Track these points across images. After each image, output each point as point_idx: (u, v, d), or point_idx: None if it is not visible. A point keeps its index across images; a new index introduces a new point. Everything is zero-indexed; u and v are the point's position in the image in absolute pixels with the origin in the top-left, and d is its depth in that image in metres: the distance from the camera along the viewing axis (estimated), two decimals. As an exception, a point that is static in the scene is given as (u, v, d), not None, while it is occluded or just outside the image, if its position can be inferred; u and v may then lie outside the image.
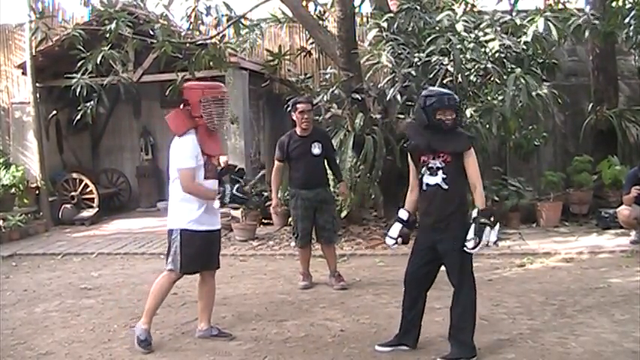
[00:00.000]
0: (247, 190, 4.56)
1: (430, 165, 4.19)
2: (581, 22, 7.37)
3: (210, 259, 4.65)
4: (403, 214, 4.42)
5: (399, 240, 4.39)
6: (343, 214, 8.29)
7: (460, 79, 7.37)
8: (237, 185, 4.52)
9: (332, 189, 6.54)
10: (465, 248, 4.08)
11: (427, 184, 4.21)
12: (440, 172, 4.16)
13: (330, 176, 6.52)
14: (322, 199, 6.09)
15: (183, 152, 4.41)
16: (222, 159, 9.74)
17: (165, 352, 4.54)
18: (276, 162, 6.25)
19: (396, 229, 4.40)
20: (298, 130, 6.08)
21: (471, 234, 4.06)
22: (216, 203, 4.44)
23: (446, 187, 4.16)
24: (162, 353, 4.52)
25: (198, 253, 4.52)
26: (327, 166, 6.32)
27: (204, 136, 4.48)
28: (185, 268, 4.54)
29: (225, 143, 9.78)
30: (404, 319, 4.42)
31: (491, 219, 4.09)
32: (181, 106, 4.58)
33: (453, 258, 4.16)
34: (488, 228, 4.08)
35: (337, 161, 6.80)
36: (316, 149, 6.04)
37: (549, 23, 7.01)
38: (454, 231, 4.14)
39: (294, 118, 6.09)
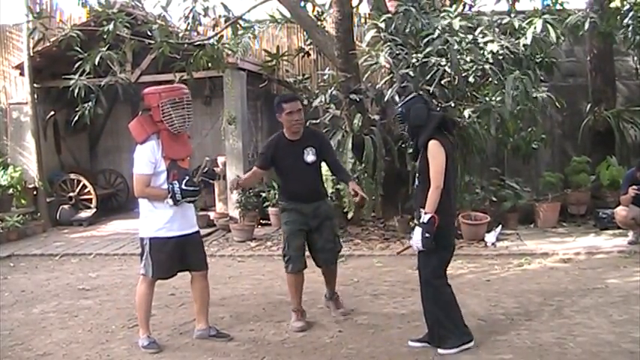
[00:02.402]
0: (197, 182, 4.49)
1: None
2: (579, 20, 7.39)
3: (187, 262, 4.66)
4: None
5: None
6: (350, 215, 8.27)
7: (457, 80, 7.38)
8: (185, 179, 4.46)
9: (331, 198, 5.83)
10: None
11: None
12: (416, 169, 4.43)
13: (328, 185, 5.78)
14: (321, 213, 5.05)
15: (138, 159, 4.51)
16: (220, 160, 9.79)
17: (164, 353, 4.54)
18: (254, 167, 5.27)
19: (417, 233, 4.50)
20: (287, 133, 5.04)
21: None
22: (170, 202, 4.45)
23: (417, 183, 4.35)
24: (161, 354, 4.53)
25: (170, 258, 4.57)
26: (329, 171, 5.42)
27: (167, 139, 4.50)
28: (157, 273, 4.60)
29: (223, 144, 9.81)
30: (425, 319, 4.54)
31: (420, 220, 4.14)
32: (142, 112, 4.59)
33: (418, 256, 4.30)
34: (417, 229, 4.16)
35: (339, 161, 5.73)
36: (310, 156, 4.98)
37: (548, 25, 7.02)
38: (419, 227, 4.23)
39: (281, 120, 5.02)
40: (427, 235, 4.07)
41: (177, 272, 4.72)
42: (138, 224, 4.68)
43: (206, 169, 4.71)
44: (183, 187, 4.42)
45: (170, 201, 4.44)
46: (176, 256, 4.59)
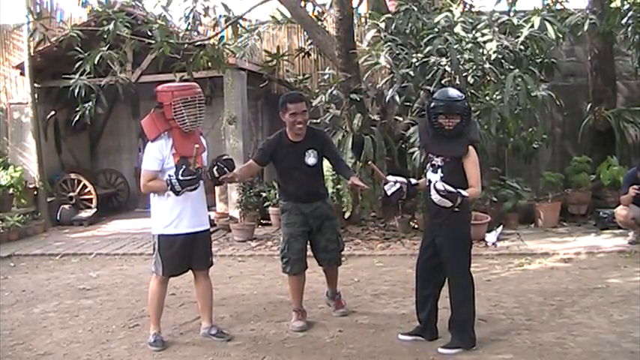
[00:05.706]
0: (194, 170, 4.45)
1: (433, 162, 4.34)
2: (580, 19, 7.39)
3: (196, 259, 4.67)
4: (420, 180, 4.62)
5: (397, 185, 4.34)
6: (347, 215, 8.27)
7: (458, 80, 7.38)
8: (181, 170, 4.43)
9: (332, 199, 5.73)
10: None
11: (429, 180, 4.33)
12: (439, 171, 4.28)
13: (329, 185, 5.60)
14: (322, 214, 4.98)
15: (146, 155, 4.57)
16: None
17: (164, 353, 4.54)
18: (250, 160, 5.19)
19: (402, 179, 4.45)
20: (290, 134, 4.92)
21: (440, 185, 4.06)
22: (171, 194, 4.47)
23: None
24: (161, 354, 4.52)
25: (179, 255, 4.58)
26: (331, 169, 5.26)
27: (179, 136, 4.52)
28: (167, 270, 4.62)
29: (223, 144, 9.81)
30: (418, 314, 4.54)
31: (459, 202, 4.03)
32: (154, 109, 4.60)
33: (448, 253, 4.28)
34: (446, 200, 4.02)
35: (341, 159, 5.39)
36: (311, 159, 4.89)
37: (545, 22, 7.02)
38: (449, 227, 4.25)
39: (284, 119, 4.88)
40: (460, 197, 4.01)
41: (189, 269, 4.72)
42: (147, 222, 4.71)
43: (225, 157, 4.70)
44: (180, 177, 4.41)
45: (171, 193, 4.45)
46: (186, 254, 4.61)
